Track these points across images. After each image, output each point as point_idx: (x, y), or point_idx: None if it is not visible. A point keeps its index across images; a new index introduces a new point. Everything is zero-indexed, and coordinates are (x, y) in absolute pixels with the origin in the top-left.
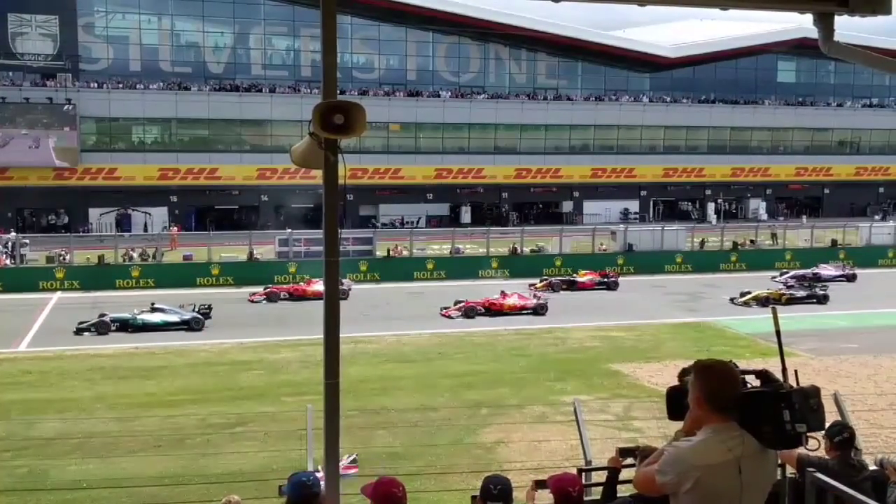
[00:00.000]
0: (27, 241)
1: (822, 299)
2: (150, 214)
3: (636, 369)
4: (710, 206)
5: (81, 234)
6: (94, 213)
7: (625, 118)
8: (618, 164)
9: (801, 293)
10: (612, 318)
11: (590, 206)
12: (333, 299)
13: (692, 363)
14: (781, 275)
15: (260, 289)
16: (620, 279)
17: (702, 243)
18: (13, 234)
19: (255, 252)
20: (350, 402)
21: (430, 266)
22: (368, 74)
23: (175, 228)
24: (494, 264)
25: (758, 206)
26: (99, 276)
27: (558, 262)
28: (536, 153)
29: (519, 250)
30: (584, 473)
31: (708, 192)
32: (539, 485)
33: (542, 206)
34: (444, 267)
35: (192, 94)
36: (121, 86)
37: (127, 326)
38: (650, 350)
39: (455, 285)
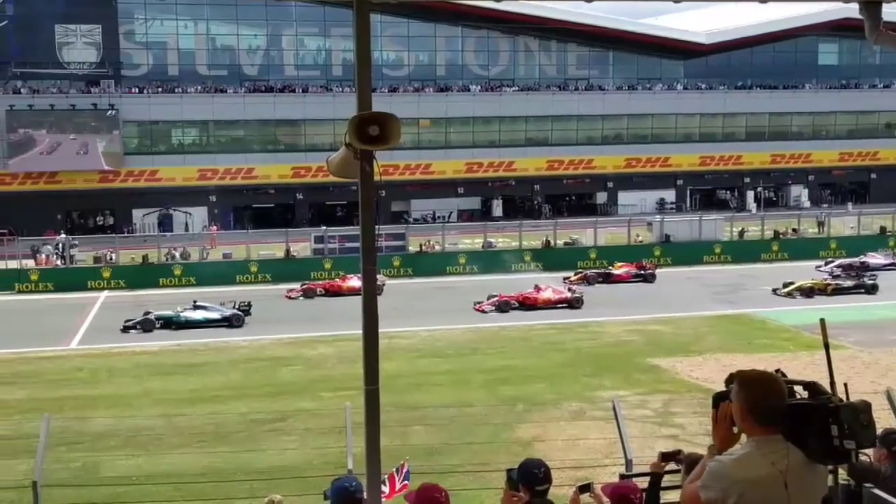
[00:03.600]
0: (76, 242)
1: (871, 289)
2: (190, 214)
3: (675, 363)
4: (750, 195)
5: (126, 234)
6: (137, 213)
7: (659, 106)
8: (652, 153)
9: (847, 283)
10: (649, 312)
11: (624, 197)
12: (371, 306)
13: (736, 371)
14: (826, 264)
15: (297, 285)
16: (657, 271)
17: (741, 233)
18: (63, 235)
19: (291, 249)
20: (385, 398)
21: (462, 261)
22: (398, 71)
23: (214, 227)
24: (527, 258)
25: (800, 193)
26: (143, 275)
27: (593, 255)
28: (568, 144)
29: (552, 243)
30: (624, 479)
31: (747, 179)
32: (583, 489)
33: (576, 197)
34: (476, 261)
35: (228, 97)
36: (160, 90)
37: (171, 324)
38: (690, 344)
39: (488, 280)
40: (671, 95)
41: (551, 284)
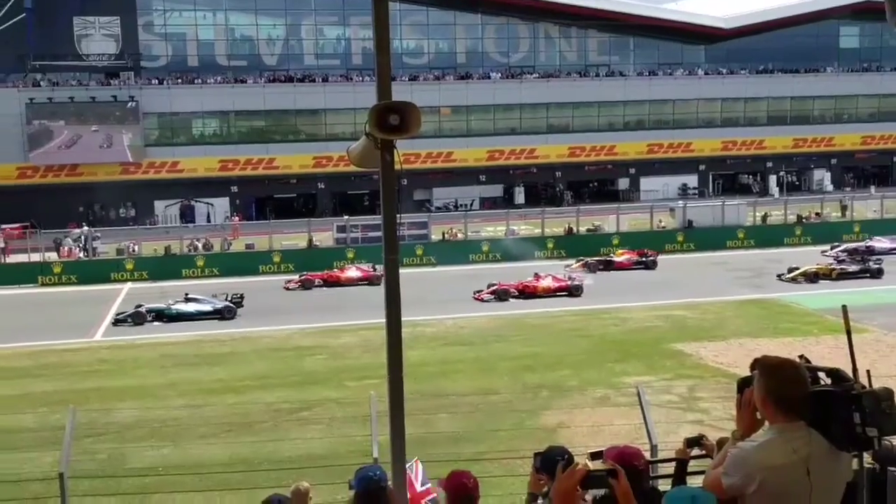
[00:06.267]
0: (98, 234)
1: (877, 273)
2: (212, 205)
3: (700, 349)
4: (772, 179)
5: (148, 226)
6: (159, 205)
7: (680, 92)
8: (674, 138)
9: (852, 267)
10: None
11: (647, 183)
12: (395, 296)
13: (758, 357)
14: (832, 248)
15: (295, 276)
16: (681, 256)
17: (764, 217)
18: (85, 227)
19: (314, 239)
20: (410, 386)
21: (485, 248)
22: (418, 59)
23: (236, 218)
24: (550, 244)
25: (822, 177)
26: (166, 266)
27: (616, 241)
28: (590, 131)
29: (575, 230)
30: (651, 465)
31: (769, 164)
32: (595, 456)
33: (598, 184)
34: (499, 249)
35: (248, 87)
36: (180, 81)
37: (162, 317)
38: (714, 329)
39: (511, 267)
40: (692, 80)
41: (551, 273)
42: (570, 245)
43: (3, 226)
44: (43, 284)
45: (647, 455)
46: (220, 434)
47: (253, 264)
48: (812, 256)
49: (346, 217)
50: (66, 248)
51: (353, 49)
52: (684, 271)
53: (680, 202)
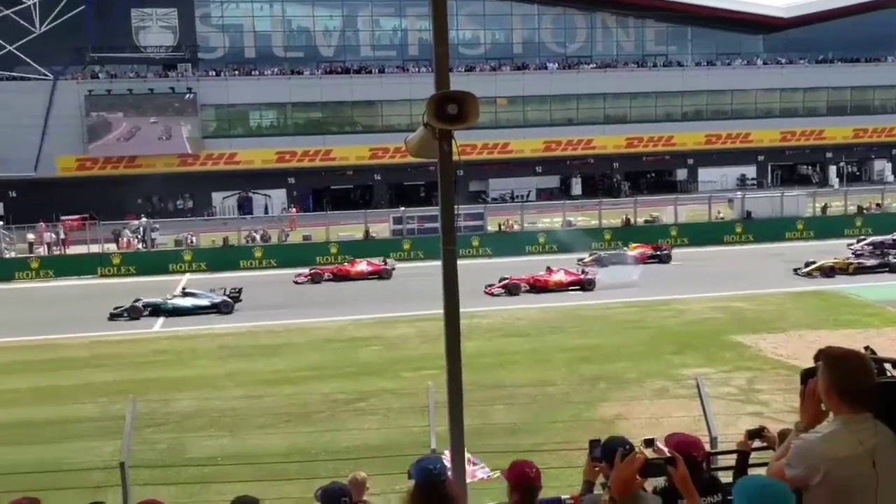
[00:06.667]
0: (156, 225)
1: (895, 268)
2: (269, 197)
3: (759, 340)
4: (832, 170)
5: (206, 217)
6: (217, 196)
7: (738, 82)
8: (733, 129)
9: (870, 262)
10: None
11: (705, 174)
12: (453, 287)
13: (823, 348)
14: (858, 241)
15: (306, 270)
16: (739, 248)
17: (824, 208)
18: (143, 219)
19: (370, 230)
20: (467, 377)
21: (541, 240)
22: (474, 50)
23: (293, 209)
24: (607, 236)
25: (883, 167)
26: (224, 258)
27: (673, 233)
28: (647, 121)
29: (632, 221)
30: (710, 457)
31: (829, 154)
32: (648, 443)
33: (655, 174)
34: (555, 240)
35: (305, 78)
36: (237, 73)
37: (159, 311)
38: (773, 320)
39: (568, 258)
40: (751, 70)
41: (563, 266)
42: (627, 236)
43: (64, 217)
44: (102, 275)
45: (707, 447)
46: (277, 424)
47: (310, 255)
48: None
49: (402, 208)
50: (125, 240)
51: (409, 40)
52: (742, 263)
53: (738, 193)
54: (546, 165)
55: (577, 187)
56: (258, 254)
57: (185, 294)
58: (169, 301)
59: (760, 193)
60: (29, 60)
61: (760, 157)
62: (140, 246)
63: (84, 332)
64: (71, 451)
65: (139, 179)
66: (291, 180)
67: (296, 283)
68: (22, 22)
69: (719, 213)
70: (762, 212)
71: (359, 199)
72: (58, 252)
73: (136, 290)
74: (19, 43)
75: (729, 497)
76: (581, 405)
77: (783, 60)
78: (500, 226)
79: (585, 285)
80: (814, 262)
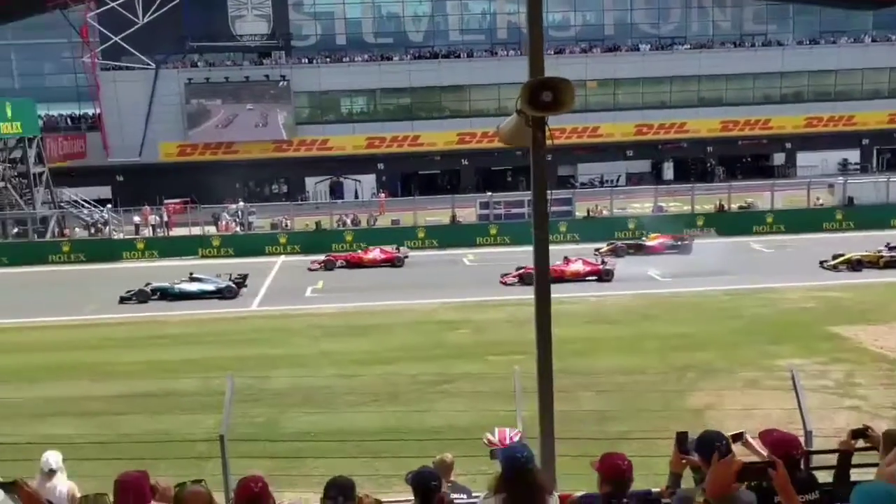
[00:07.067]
0: (253, 209)
1: None
2: (360, 182)
3: (859, 332)
4: None
5: (300, 202)
6: (310, 181)
7: (844, 61)
8: (835, 111)
9: None
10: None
11: (804, 158)
12: (544, 273)
13: None
14: None
15: (321, 257)
16: (840, 235)
17: None
18: (241, 203)
19: (457, 215)
20: (555, 363)
21: (631, 225)
22: (565, 32)
23: (382, 194)
24: (700, 222)
25: None
26: (317, 241)
27: (769, 219)
28: (744, 104)
29: (726, 207)
30: (811, 455)
31: None
32: (736, 438)
33: (751, 159)
34: (646, 226)
35: (394, 64)
36: (328, 60)
37: (166, 295)
38: (874, 311)
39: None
40: (858, 49)
41: (581, 256)
42: (721, 222)
43: (166, 201)
44: (203, 256)
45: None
46: (367, 403)
47: (398, 239)
48: None
49: (489, 193)
50: (223, 223)
51: (497, 24)
52: (841, 251)
53: (840, 178)
54: (637, 149)
55: (668, 172)
56: (349, 237)
57: (192, 279)
58: (176, 285)
59: (864, 178)
60: (133, 50)
61: (865, 141)
62: (238, 229)
63: (188, 310)
64: (177, 422)
65: (236, 165)
66: (381, 165)
67: (310, 269)
68: (126, 14)
69: (818, 199)
70: (865, 198)
71: (446, 184)
72: (161, 234)
73: (234, 270)
74: (124, 34)
75: (827, 495)
76: (670, 394)
77: (894, 38)
78: (588, 211)
79: (603, 275)
80: (841, 255)
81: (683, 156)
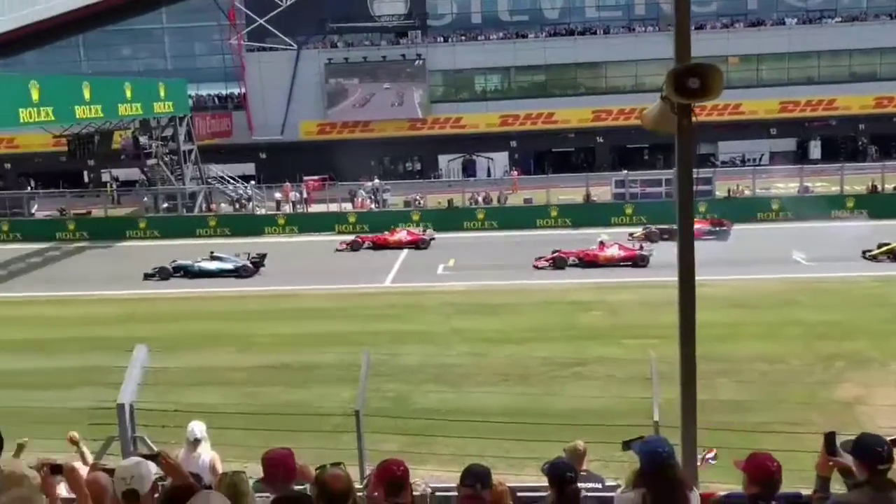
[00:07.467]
0: (388, 187)
1: None
2: (492, 159)
3: None
4: None
5: (433, 179)
6: (442, 159)
7: None
8: None
9: None
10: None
11: None
12: (689, 262)
13: None
14: None
15: (350, 238)
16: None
17: None
18: (376, 180)
19: (591, 194)
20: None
21: (775, 207)
22: (706, 7)
23: (515, 172)
24: (850, 203)
25: None
26: (449, 219)
27: None
28: None
29: (880, 188)
30: None
31: None
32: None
33: None
34: (791, 207)
35: (529, 42)
36: (464, 38)
37: (188, 273)
38: None
39: (803, 227)
40: None
41: (618, 241)
42: (873, 204)
43: (306, 178)
44: (339, 233)
45: None
46: (497, 383)
47: (530, 218)
48: None
49: (624, 171)
50: (359, 200)
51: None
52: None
53: None
54: (781, 127)
55: (815, 151)
56: (480, 216)
57: (212, 258)
58: (196, 264)
59: None
60: (276, 32)
61: None
62: (373, 206)
63: (328, 284)
64: (314, 395)
65: (372, 143)
66: (513, 143)
67: (338, 250)
68: None
69: None
70: None
71: (580, 162)
72: (301, 210)
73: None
74: (268, 16)
75: None
76: (814, 385)
77: None
78: (729, 191)
79: (639, 261)
80: (887, 244)
81: (832, 134)
